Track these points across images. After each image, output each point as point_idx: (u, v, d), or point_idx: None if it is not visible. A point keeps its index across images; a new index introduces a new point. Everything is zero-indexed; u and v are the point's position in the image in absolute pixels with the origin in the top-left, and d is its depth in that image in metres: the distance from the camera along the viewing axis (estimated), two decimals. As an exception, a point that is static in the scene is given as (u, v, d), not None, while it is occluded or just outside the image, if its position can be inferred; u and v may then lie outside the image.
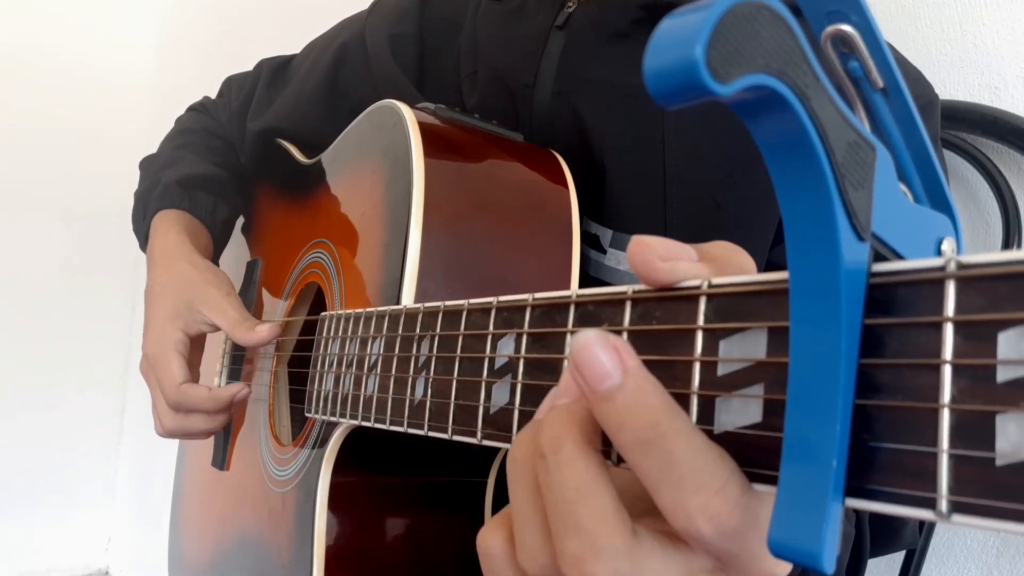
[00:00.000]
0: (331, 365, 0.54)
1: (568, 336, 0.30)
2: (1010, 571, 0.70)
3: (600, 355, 0.24)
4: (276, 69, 0.89)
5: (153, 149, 0.93)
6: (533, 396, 0.32)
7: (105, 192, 2.19)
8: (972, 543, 0.73)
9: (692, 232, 0.55)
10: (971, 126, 0.72)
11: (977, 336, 0.18)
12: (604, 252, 0.59)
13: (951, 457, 0.19)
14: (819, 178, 0.20)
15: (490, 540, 0.28)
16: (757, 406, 0.23)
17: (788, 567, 0.26)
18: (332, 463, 0.55)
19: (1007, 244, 0.70)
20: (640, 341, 0.27)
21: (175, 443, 1.00)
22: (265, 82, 0.89)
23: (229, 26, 2.07)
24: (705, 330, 0.25)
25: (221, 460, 0.81)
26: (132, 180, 0.88)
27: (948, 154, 0.74)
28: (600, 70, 0.61)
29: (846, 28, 0.23)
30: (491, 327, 0.35)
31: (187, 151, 0.89)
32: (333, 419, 0.52)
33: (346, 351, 0.51)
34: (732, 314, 0.24)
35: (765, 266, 0.57)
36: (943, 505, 0.19)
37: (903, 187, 0.25)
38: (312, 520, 0.55)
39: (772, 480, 0.22)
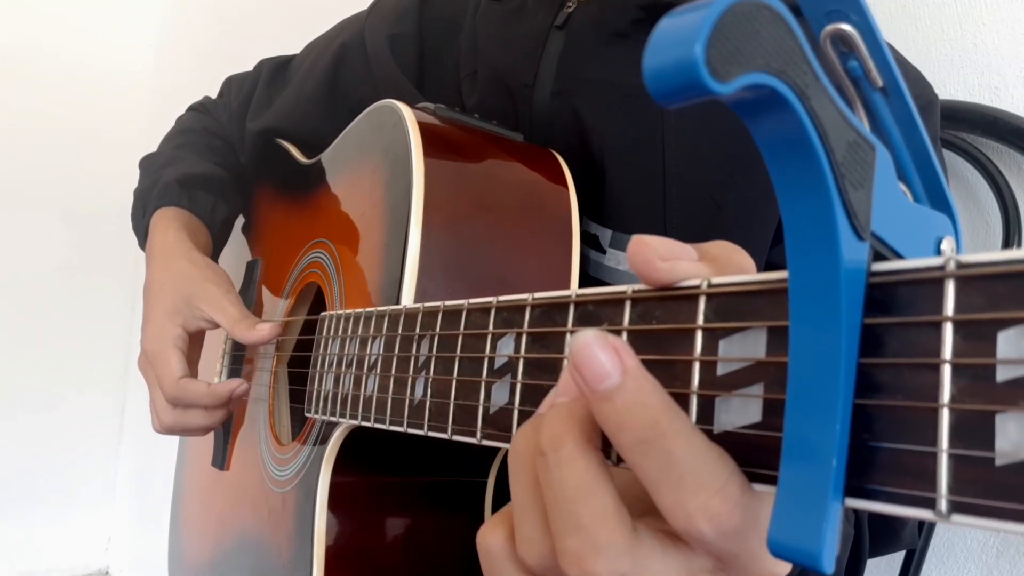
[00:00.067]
0: (331, 365, 0.54)
1: (568, 336, 0.30)
2: (1010, 571, 0.70)
3: (599, 355, 0.24)
4: (276, 69, 0.89)
5: (153, 149, 0.93)
6: (533, 396, 0.32)
7: (105, 192, 2.19)
8: (972, 543, 0.73)
9: (692, 232, 0.55)
10: (971, 126, 0.72)
11: (977, 335, 0.18)
12: (604, 252, 0.59)
13: (951, 457, 0.19)
14: (819, 178, 0.20)
15: (490, 538, 0.28)
16: (757, 406, 0.23)
17: (788, 567, 0.26)
18: (332, 463, 0.55)
19: (1007, 244, 0.70)
20: (640, 341, 0.27)
21: (175, 443, 1.00)
22: (265, 82, 0.89)
23: (229, 26, 2.07)
24: (705, 330, 0.25)
25: (221, 460, 0.81)
26: (132, 180, 0.88)
27: (948, 154, 0.74)
28: (600, 70, 0.61)
29: (846, 27, 0.23)
30: (491, 327, 0.35)
31: (187, 150, 0.89)
32: (333, 419, 0.52)
33: (346, 351, 0.51)
34: (732, 314, 0.24)
35: (765, 266, 0.57)
36: (943, 505, 0.18)
37: (903, 187, 0.25)
38: (312, 520, 0.55)
39: (772, 480, 0.22)
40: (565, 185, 0.59)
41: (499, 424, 0.33)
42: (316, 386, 0.56)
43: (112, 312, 2.36)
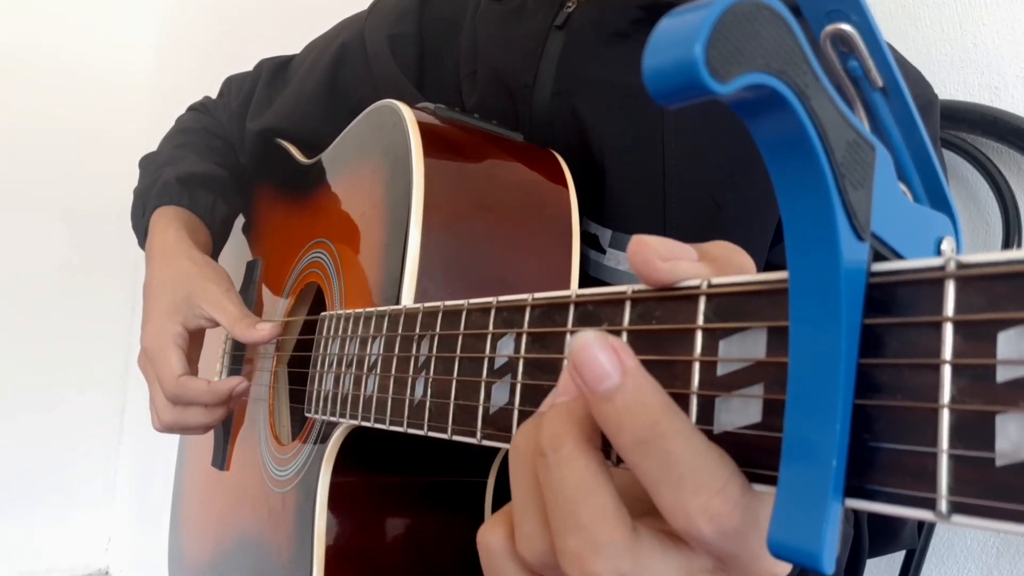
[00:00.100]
0: (331, 365, 0.54)
1: (568, 336, 0.30)
2: (1010, 571, 0.70)
3: (599, 356, 0.24)
4: (276, 69, 0.89)
5: (153, 149, 0.93)
6: (533, 396, 0.32)
7: (105, 192, 2.19)
8: (972, 543, 0.73)
9: (692, 232, 0.55)
10: (971, 126, 0.72)
11: (977, 336, 0.18)
12: (603, 252, 0.59)
13: (951, 457, 0.19)
14: (819, 178, 0.20)
15: (490, 536, 0.28)
16: (757, 406, 0.23)
17: (788, 567, 0.26)
18: (332, 463, 0.55)
19: (1007, 244, 0.70)
20: (640, 341, 0.27)
21: (175, 443, 1.00)
22: (265, 82, 0.89)
23: (229, 26, 2.07)
24: (705, 330, 0.25)
25: (221, 460, 0.81)
26: (132, 180, 0.88)
27: (948, 154, 0.74)
28: (600, 70, 0.61)
29: (846, 27, 0.23)
30: (491, 327, 0.35)
31: (187, 150, 0.89)
32: (333, 419, 0.52)
33: (346, 351, 0.51)
34: (732, 314, 0.24)
35: (765, 266, 0.57)
36: (943, 505, 0.18)
37: (903, 187, 0.25)
38: (312, 520, 0.55)
39: (772, 480, 0.22)
40: (565, 185, 0.59)
41: (499, 424, 0.33)
42: (316, 386, 0.56)
43: (112, 312, 2.36)
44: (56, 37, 2.25)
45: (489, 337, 0.35)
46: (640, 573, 0.24)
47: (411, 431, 0.41)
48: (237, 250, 0.92)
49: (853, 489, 0.20)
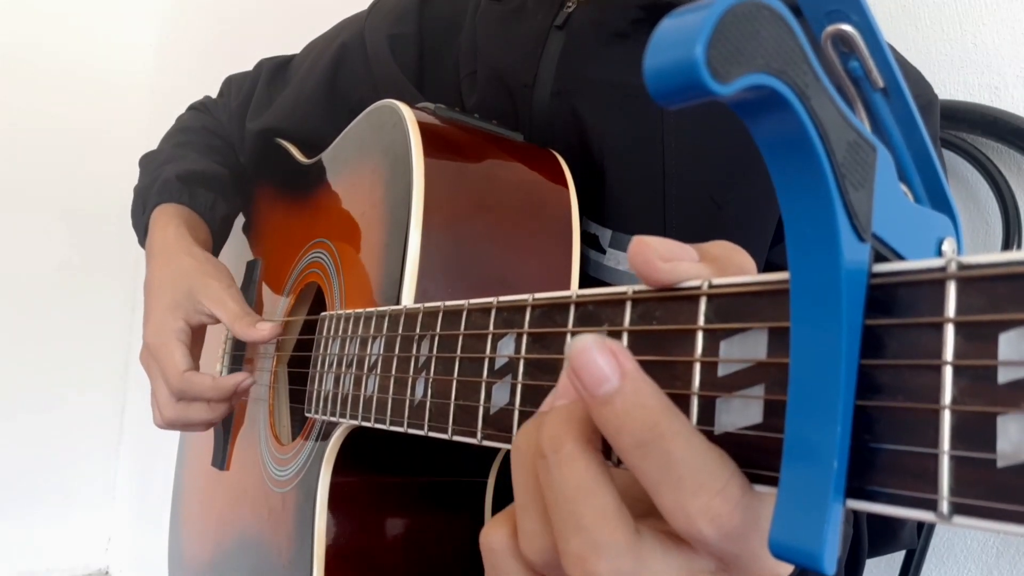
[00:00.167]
0: (331, 365, 0.54)
1: (568, 336, 0.30)
2: (1010, 571, 0.70)
3: (597, 359, 0.24)
4: (276, 69, 0.89)
5: (153, 148, 0.93)
6: (533, 396, 0.32)
7: (105, 192, 2.19)
8: (972, 543, 0.73)
9: (692, 232, 0.55)
10: (971, 126, 0.72)
11: (978, 337, 0.18)
12: (603, 252, 0.59)
13: (952, 458, 0.19)
14: (819, 178, 0.20)
15: (493, 536, 0.28)
16: (758, 407, 0.23)
17: (789, 567, 0.26)
18: (332, 463, 0.55)
19: (1007, 244, 0.70)
20: (640, 341, 0.27)
21: (175, 443, 1.00)
22: (265, 82, 0.89)
23: (229, 26, 2.07)
24: (705, 330, 0.25)
25: (221, 460, 0.81)
26: (132, 179, 0.88)
27: (948, 154, 0.74)
28: (600, 70, 0.61)
29: (846, 28, 0.23)
30: (491, 327, 0.35)
31: (187, 149, 0.89)
32: (333, 419, 0.52)
33: (346, 351, 0.51)
34: (732, 314, 0.24)
35: (765, 266, 0.57)
36: (944, 507, 0.18)
37: (903, 187, 0.25)
38: (312, 520, 0.55)
39: (773, 481, 0.22)
40: (565, 185, 0.58)
41: (499, 424, 0.33)
42: (316, 386, 0.56)
43: (112, 312, 2.36)
44: (56, 37, 2.25)
45: (489, 337, 0.35)
46: (641, 574, 0.24)
47: (411, 431, 0.41)
48: (237, 250, 0.92)
49: (854, 490, 0.20)
